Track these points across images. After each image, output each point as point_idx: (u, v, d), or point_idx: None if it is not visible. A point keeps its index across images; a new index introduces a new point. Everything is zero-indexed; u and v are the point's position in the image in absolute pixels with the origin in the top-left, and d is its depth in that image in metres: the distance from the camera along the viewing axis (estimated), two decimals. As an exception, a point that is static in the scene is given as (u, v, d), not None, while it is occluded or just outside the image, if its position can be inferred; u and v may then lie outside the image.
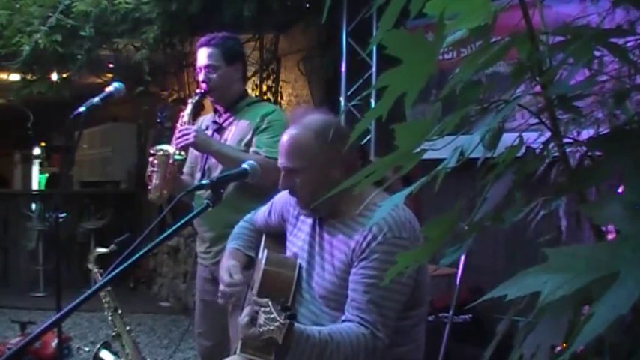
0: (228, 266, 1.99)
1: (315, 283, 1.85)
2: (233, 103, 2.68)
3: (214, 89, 2.64)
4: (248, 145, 2.57)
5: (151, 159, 2.63)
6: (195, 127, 2.58)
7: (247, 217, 2.21)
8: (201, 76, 2.65)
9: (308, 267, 1.88)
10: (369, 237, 1.72)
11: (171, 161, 2.58)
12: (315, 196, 1.77)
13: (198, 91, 2.68)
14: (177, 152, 2.59)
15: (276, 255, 1.98)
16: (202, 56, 2.63)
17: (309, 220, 1.94)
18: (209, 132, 2.71)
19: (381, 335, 1.68)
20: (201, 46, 2.65)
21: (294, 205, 1.97)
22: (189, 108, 2.66)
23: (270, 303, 1.55)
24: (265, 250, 1.98)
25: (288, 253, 2.00)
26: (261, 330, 1.52)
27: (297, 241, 1.96)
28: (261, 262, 1.93)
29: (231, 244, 2.12)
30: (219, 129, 2.69)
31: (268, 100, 5.65)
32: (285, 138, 1.85)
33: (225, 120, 2.69)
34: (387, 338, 1.71)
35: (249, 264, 2.07)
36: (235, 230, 2.18)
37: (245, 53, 2.91)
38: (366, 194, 1.77)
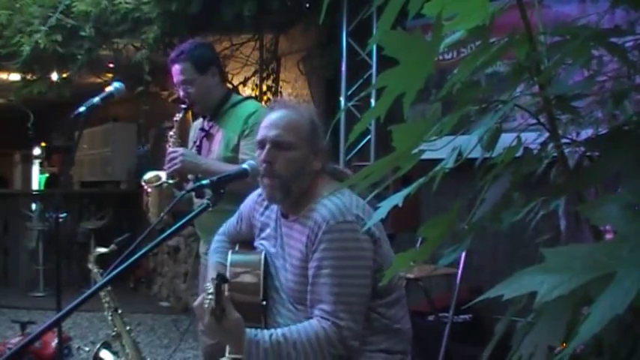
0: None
1: (284, 286, 1.85)
2: (217, 109, 2.69)
3: (195, 103, 2.66)
4: (235, 149, 2.57)
5: (145, 187, 2.65)
6: (182, 150, 2.58)
7: (221, 230, 2.20)
8: (180, 92, 2.66)
9: (276, 266, 1.88)
10: (316, 229, 1.72)
11: (164, 186, 2.60)
12: (293, 179, 1.80)
13: (181, 106, 2.69)
14: (170, 176, 2.60)
15: (240, 256, 1.97)
16: (175, 73, 2.63)
17: (272, 225, 1.93)
18: (197, 141, 2.73)
19: (344, 324, 1.67)
20: (172, 62, 2.64)
21: (258, 210, 1.98)
22: (175, 126, 2.69)
23: (211, 282, 1.62)
24: (229, 253, 1.97)
25: None
26: (205, 307, 1.62)
27: (264, 242, 1.96)
28: (226, 268, 1.92)
29: (213, 258, 2.11)
30: (208, 136, 2.71)
31: (268, 100, 5.66)
32: (277, 114, 1.85)
33: (212, 127, 2.71)
34: (357, 325, 1.70)
35: None
36: (213, 245, 2.18)
37: (217, 55, 2.87)
38: (317, 192, 1.80)
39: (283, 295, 1.85)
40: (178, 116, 2.70)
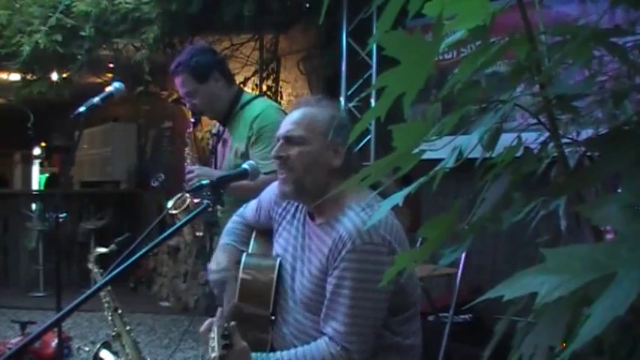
0: (216, 258, 1.97)
1: (297, 289, 1.81)
2: (227, 113, 2.67)
3: (203, 112, 2.65)
4: (243, 155, 2.56)
5: (176, 214, 2.67)
6: (197, 171, 2.57)
7: (239, 211, 2.15)
8: (187, 104, 2.65)
9: (292, 272, 1.84)
10: (340, 245, 1.66)
11: (191, 206, 2.62)
12: (306, 173, 1.74)
13: (191, 120, 2.70)
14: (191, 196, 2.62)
15: (254, 259, 1.95)
16: (178, 86, 2.62)
17: (295, 223, 1.89)
18: (212, 148, 2.73)
19: (354, 348, 1.65)
20: (172, 75, 2.62)
21: (280, 204, 1.93)
22: (189, 143, 2.70)
23: (216, 329, 1.59)
24: (244, 255, 1.95)
25: (274, 254, 1.96)
26: (210, 355, 1.59)
27: (283, 243, 1.91)
28: (239, 269, 1.90)
29: (224, 239, 2.07)
30: (222, 141, 2.71)
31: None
32: (296, 112, 1.81)
33: (224, 131, 2.71)
34: (367, 345, 1.68)
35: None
36: (228, 225, 2.13)
37: (218, 58, 2.79)
38: (344, 197, 1.73)
39: (291, 302, 1.82)
40: (189, 132, 2.69)
